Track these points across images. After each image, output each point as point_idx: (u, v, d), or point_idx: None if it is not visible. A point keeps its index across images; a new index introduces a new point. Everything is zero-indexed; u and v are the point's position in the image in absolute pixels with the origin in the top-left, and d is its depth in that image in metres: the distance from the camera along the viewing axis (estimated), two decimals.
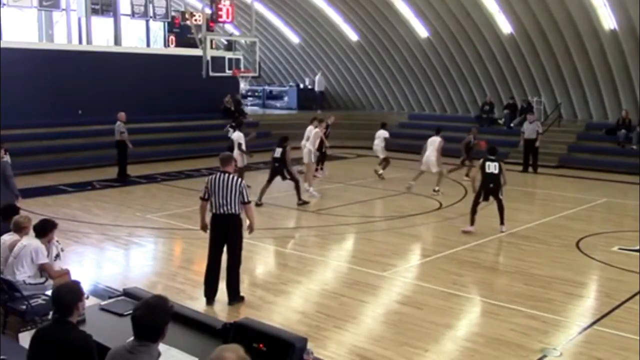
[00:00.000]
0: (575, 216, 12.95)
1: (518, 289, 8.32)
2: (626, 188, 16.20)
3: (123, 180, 16.57)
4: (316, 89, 27.83)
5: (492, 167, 11.21)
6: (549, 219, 12.54)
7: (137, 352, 3.57)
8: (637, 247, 10.24)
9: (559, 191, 15.79)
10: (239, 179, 7.60)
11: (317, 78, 27.50)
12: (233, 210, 7.45)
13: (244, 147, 14.58)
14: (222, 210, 7.47)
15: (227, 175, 7.51)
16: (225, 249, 7.66)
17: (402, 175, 17.80)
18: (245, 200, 7.51)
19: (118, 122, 16.72)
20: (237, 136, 14.68)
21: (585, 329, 7.05)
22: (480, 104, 23.28)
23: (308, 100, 29.08)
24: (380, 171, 17.14)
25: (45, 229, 6.78)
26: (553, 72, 21.13)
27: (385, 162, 17.26)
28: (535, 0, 19.19)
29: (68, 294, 4.11)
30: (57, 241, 7.09)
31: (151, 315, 3.62)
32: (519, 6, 19.77)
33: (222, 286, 8.74)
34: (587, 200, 14.34)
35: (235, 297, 7.70)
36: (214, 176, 7.58)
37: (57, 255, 6.99)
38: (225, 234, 7.60)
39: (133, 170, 17.63)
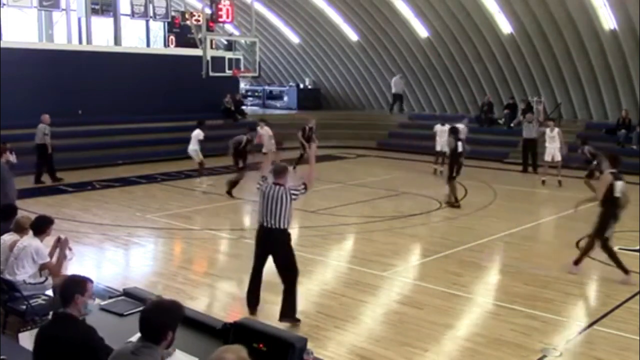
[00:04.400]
0: (575, 216, 12.91)
1: (518, 289, 8.32)
2: (626, 188, 16.15)
3: (53, 182, 15.82)
4: (393, 90, 25.76)
5: (619, 189, 8.95)
6: (549, 219, 12.54)
7: (140, 354, 3.58)
8: (637, 247, 10.24)
9: (559, 191, 15.77)
10: (290, 193, 7.03)
11: (394, 80, 25.42)
12: (279, 225, 7.03)
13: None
14: (268, 224, 7.07)
15: (279, 187, 7.06)
16: (272, 262, 7.33)
17: (403, 175, 17.84)
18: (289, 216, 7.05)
19: (41, 125, 15.86)
20: (197, 133, 15.87)
21: (585, 329, 7.05)
22: (480, 104, 23.28)
23: (308, 100, 29.07)
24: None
25: (42, 226, 6.76)
26: (553, 72, 21.13)
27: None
28: (535, 0, 19.20)
29: (70, 284, 4.20)
30: (70, 248, 7.07)
31: (158, 317, 3.63)
32: (519, 6, 19.78)
33: (224, 286, 8.75)
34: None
35: (286, 315, 7.17)
36: (267, 187, 7.11)
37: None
38: (271, 250, 7.24)
39: (134, 170, 17.66)
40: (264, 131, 17.49)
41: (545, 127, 17.19)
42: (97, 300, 5.58)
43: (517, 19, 20.30)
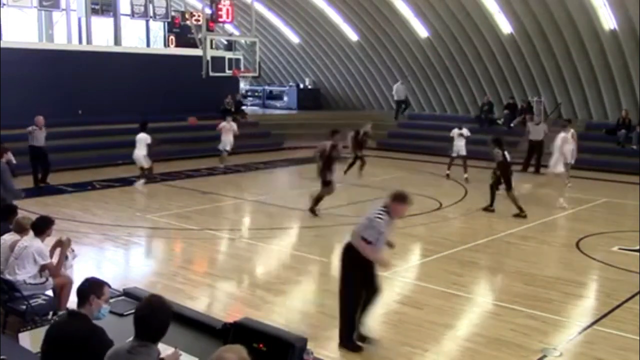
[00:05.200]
0: (575, 216, 12.96)
1: (518, 289, 8.32)
2: (626, 188, 16.20)
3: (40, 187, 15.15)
4: (395, 97, 25.27)
5: None
6: (549, 219, 12.55)
7: (136, 353, 3.59)
8: (637, 247, 10.25)
9: (559, 191, 15.76)
10: (379, 213, 6.23)
11: (396, 86, 25.02)
12: (351, 239, 6.36)
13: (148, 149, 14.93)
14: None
15: (380, 207, 6.32)
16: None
17: (403, 175, 17.84)
18: (361, 235, 6.19)
19: (33, 127, 15.19)
20: (144, 137, 14.86)
21: (585, 329, 7.05)
22: (480, 104, 23.29)
23: (308, 100, 29.08)
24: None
25: (42, 226, 6.77)
26: (553, 72, 21.13)
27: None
28: (535, 0, 19.21)
29: (88, 285, 4.23)
30: (73, 249, 7.09)
31: (154, 316, 3.65)
32: (519, 6, 19.78)
33: (224, 286, 8.76)
34: (587, 200, 14.35)
35: (341, 340, 6.47)
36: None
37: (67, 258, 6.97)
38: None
39: (134, 170, 17.61)
40: (229, 125, 16.91)
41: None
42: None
43: (517, 19, 20.30)
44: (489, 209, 13.01)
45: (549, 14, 19.32)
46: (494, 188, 12.96)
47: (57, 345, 4.00)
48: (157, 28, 27.18)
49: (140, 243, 10.86)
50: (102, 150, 19.08)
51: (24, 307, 6.15)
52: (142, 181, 15.09)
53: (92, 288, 4.22)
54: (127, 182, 16.42)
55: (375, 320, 7.39)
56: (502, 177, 12.67)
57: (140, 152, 14.85)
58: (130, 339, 3.69)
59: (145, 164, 14.91)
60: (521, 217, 12.34)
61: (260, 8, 24.93)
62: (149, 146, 14.83)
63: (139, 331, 3.63)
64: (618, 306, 7.67)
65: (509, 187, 12.66)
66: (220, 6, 18.33)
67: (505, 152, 12.69)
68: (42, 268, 6.62)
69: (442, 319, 7.29)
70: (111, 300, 5.21)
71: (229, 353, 3.16)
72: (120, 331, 4.35)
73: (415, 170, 18.77)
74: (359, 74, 27.24)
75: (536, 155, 18.42)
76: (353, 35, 25.60)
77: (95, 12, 22.31)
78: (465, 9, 21.00)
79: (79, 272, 8.67)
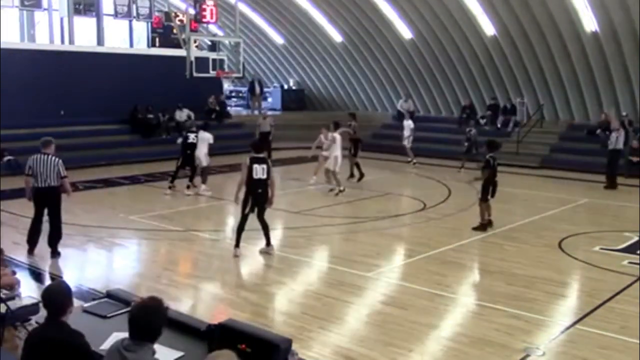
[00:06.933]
0: (557, 216, 13.05)
1: (501, 289, 8.37)
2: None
3: None
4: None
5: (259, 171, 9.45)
6: (532, 219, 12.62)
7: (135, 350, 3.60)
8: (618, 247, 10.36)
9: (541, 191, 15.91)
10: None
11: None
12: None
13: None
14: None
15: None
16: None
17: (387, 176, 17.87)
18: None
19: None
20: (207, 137, 14.82)
21: (568, 328, 7.11)
22: (462, 106, 23.42)
23: (292, 101, 29.05)
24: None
25: None
26: (535, 73, 21.31)
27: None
28: (518, 2, 19.35)
29: (60, 295, 4.11)
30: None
31: (150, 316, 3.66)
32: (502, 8, 19.92)
33: (208, 287, 8.73)
34: (569, 201, 14.47)
35: None
36: None
37: None
38: None
39: (115, 171, 17.53)
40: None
41: None
42: (80, 302, 5.54)
43: (500, 21, 20.43)
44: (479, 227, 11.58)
45: (531, 16, 19.48)
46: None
47: (37, 352, 3.95)
48: (141, 28, 27.00)
49: (124, 245, 10.78)
50: (85, 151, 18.92)
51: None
52: (203, 187, 14.93)
53: (69, 296, 4.13)
54: (111, 183, 16.33)
55: (359, 320, 7.42)
56: (484, 183, 11.66)
57: (202, 151, 14.72)
58: (114, 339, 3.68)
59: (205, 162, 14.77)
60: (479, 230, 11.41)
61: (244, 9, 24.85)
62: (210, 146, 14.86)
63: (134, 331, 3.63)
64: (600, 305, 7.74)
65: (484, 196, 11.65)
66: (204, 6, 18.28)
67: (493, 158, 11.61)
68: None
69: (426, 319, 7.32)
70: (94, 302, 5.19)
71: (220, 358, 3.17)
72: (103, 333, 4.33)
73: (399, 171, 18.83)
74: (343, 75, 27.26)
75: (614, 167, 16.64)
76: (337, 37, 25.62)
77: (77, 11, 22.11)
78: (448, 10, 21.11)
79: (63, 274, 8.66)
